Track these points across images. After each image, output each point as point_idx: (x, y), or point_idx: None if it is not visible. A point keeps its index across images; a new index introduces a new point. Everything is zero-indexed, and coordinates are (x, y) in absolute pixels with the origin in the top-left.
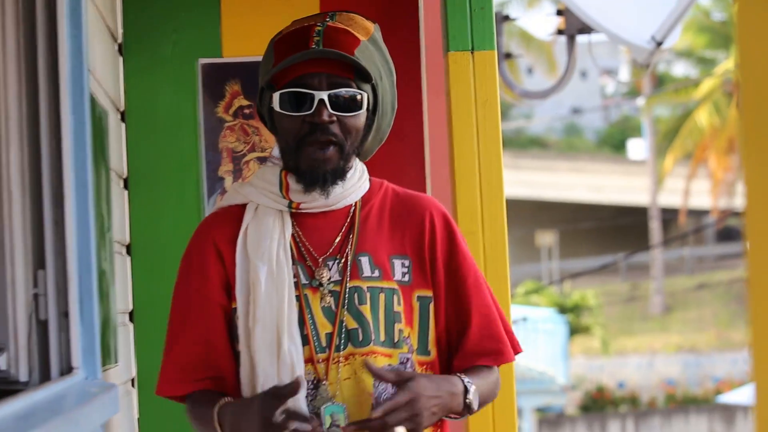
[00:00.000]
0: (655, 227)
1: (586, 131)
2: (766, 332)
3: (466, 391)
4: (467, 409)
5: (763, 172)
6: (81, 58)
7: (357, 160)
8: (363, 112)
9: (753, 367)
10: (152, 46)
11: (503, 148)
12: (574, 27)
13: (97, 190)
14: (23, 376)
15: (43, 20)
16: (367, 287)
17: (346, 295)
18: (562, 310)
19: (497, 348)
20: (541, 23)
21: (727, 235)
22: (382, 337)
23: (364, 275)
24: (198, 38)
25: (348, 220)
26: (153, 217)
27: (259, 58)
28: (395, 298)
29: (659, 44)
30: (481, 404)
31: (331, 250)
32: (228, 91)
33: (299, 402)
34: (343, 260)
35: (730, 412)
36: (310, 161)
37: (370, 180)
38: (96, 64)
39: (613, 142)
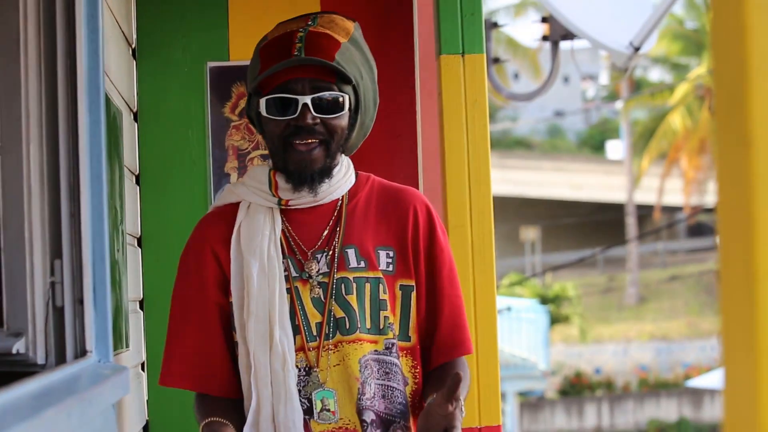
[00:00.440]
0: (631, 223)
1: (567, 133)
2: (735, 320)
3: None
4: None
5: (734, 170)
6: (97, 61)
7: (343, 155)
8: (345, 113)
9: (723, 353)
10: (164, 51)
11: (491, 148)
12: (557, 33)
13: (111, 185)
14: (40, 359)
15: (62, 25)
16: (354, 278)
17: (334, 286)
18: (544, 300)
19: (464, 338)
20: (527, 31)
21: (698, 230)
22: (368, 325)
23: (350, 266)
24: (206, 43)
25: (335, 213)
26: (163, 211)
27: None
28: (381, 286)
29: (637, 49)
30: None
31: (319, 244)
32: (234, 92)
33: (291, 387)
34: (330, 253)
35: (698, 395)
36: (297, 162)
37: (356, 174)
38: (111, 67)
39: (593, 143)
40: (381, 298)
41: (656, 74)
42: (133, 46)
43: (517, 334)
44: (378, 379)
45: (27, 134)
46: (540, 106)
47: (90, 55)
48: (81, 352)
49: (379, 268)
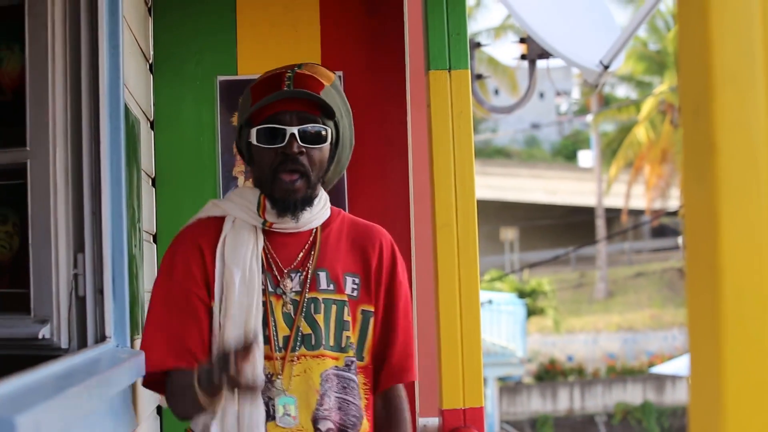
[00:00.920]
0: (600, 225)
1: (543, 143)
2: (700, 311)
3: None
4: None
5: (700, 171)
6: (117, 73)
7: (322, 190)
8: (327, 146)
9: (689, 341)
10: (178, 65)
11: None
12: (534, 52)
13: (130, 186)
14: (64, 344)
15: (86, 42)
16: (323, 299)
17: (305, 305)
18: (521, 294)
19: (411, 365)
20: (506, 51)
21: (661, 231)
22: (332, 342)
23: (321, 288)
24: (217, 59)
25: (311, 239)
26: (176, 211)
27: None
28: (345, 309)
29: (606, 67)
30: None
31: (294, 264)
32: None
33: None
34: (304, 273)
35: (660, 381)
36: (282, 191)
37: (330, 209)
38: (130, 80)
39: (566, 153)
40: (345, 319)
41: (623, 91)
42: (150, 61)
43: (497, 324)
44: (337, 392)
45: (53, 140)
46: (518, 118)
47: (111, 68)
48: (101, 338)
49: (345, 292)
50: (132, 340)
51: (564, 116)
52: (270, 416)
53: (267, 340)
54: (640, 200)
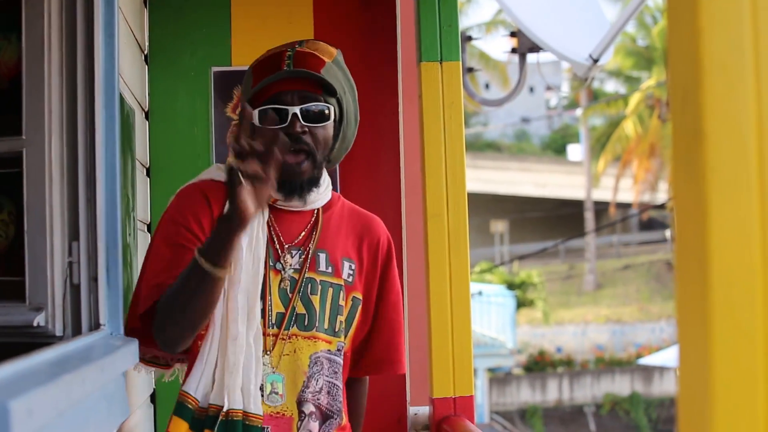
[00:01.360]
0: (589, 217)
1: (533, 137)
2: (689, 299)
3: None
4: None
5: (688, 164)
6: (113, 63)
7: (325, 172)
8: (330, 123)
9: (678, 333)
10: (172, 56)
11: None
12: (525, 46)
13: (124, 175)
14: (59, 332)
15: (82, 31)
16: (320, 280)
17: (302, 284)
18: (511, 286)
19: (397, 358)
20: (497, 46)
21: (649, 224)
22: (326, 326)
23: (319, 269)
24: (211, 50)
25: (313, 219)
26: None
27: None
28: (341, 293)
29: (596, 61)
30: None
31: (296, 241)
32: (235, 94)
33: (260, 361)
34: (305, 252)
35: (648, 372)
36: (288, 173)
37: (331, 192)
38: (125, 70)
39: (556, 147)
40: (339, 303)
41: (611, 86)
42: (146, 52)
43: (487, 316)
44: (327, 376)
45: (49, 128)
46: (508, 113)
47: (106, 58)
48: (95, 325)
49: (342, 277)
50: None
51: (553, 110)
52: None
53: (261, 315)
54: (628, 193)
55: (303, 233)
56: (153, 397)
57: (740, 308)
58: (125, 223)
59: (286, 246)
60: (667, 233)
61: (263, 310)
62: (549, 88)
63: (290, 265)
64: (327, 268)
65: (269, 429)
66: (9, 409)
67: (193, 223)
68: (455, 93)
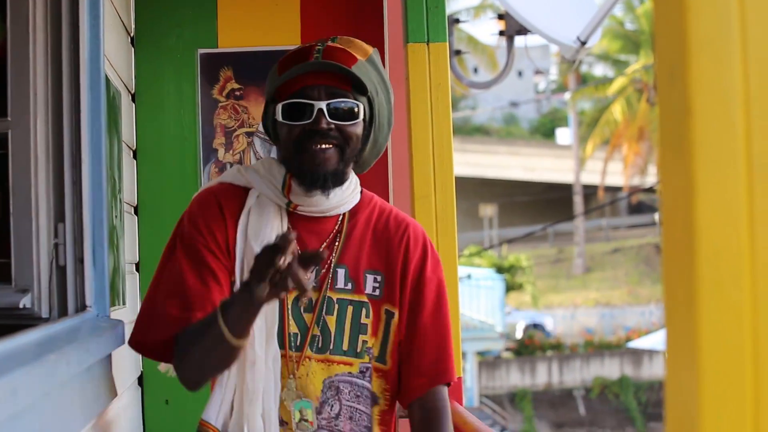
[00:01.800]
0: (578, 201)
1: (521, 121)
2: (675, 277)
3: None
4: None
5: (675, 141)
6: (98, 44)
7: (353, 172)
8: (359, 122)
9: (665, 316)
10: (159, 38)
11: (452, 134)
12: (512, 28)
13: (110, 157)
14: (45, 313)
15: (67, 12)
16: (337, 299)
17: (320, 304)
18: (500, 270)
19: (446, 367)
20: (486, 30)
21: (638, 208)
22: (345, 347)
23: (337, 287)
24: (197, 32)
25: (336, 228)
26: (157, 182)
27: (249, 49)
28: (363, 311)
29: (583, 43)
30: None
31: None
32: (222, 76)
33: (279, 386)
34: (323, 270)
35: (637, 355)
36: (310, 161)
37: (361, 192)
38: (111, 52)
39: (544, 130)
40: (362, 322)
41: (599, 70)
42: (132, 34)
43: (476, 299)
44: (348, 400)
45: (34, 110)
46: (497, 96)
47: (92, 39)
48: (81, 307)
49: (365, 292)
50: (113, 311)
51: (542, 94)
52: (282, 421)
53: (281, 336)
54: (616, 177)
55: (323, 246)
56: (141, 380)
57: (727, 285)
58: (111, 204)
59: None
60: (656, 217)
61: (281, 332)
62: (537, 71)
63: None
64: (346, 285)
65: None
66: None
67: (208, 237)
68: (442, 74)
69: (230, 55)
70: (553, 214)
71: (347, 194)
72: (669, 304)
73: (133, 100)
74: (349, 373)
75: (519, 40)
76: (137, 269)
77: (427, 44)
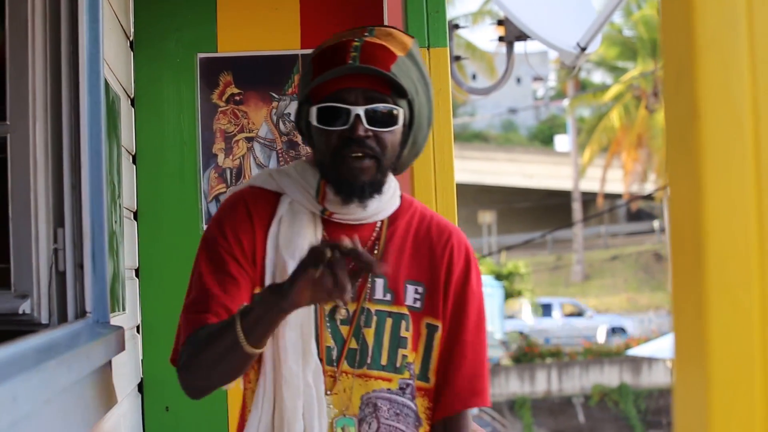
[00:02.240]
0: (576, 208)
1: (520, 128)
2: (683, 286)
3: None
4: None
5: (682, 143)
6: (97, 48)
7: (391, 176)
8: (399, 128)
9: (673, 320)
10: (158, 43)
11: None
12: (512, 34)
13: (110, 162)
14: (44, 319)
15: (66, 16)
16: (375, 310)
17: (358, 316)
18: (499, 277)
19: (482, 388)
20: (485, 36)
21: (637, 215)
22: (384, 361)
23: (375, 298)
24: (197, 36)
25: (374, 236)
26: (157, 187)
27: (249, 53)
28: (403, 323)
29: (583, 49)
30: None
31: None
32: (222, 80)
33: (323, 404)
34: (360, 280)
35: (636, 363)
36: (348, 172)
37: (400, 197)
38: (110, 56)
39: (543, 137)
40: (402, 335)
41: (598, 76)
42: (131, 38)
43: None
44: (387, 419)
45: (33, 114)
46: (495, 103)
47: (91, 43)
48: (81, 313)
49: (406, 304)
50: (113, 317)
51: (540, 101)
52: None
53: (318, 350)
54: (615, 184)
55: None
56: (141, 387)
57: (736, 289)
58: (111, 210)
59: None
60: (655, 224)
61: (318, 346)
62: (536, 78)
63: None
64: (385, 296)
65: None
66: None
67: (233, 243)
68: (443, 80)
69: (230, 60)
70: (551, 221)
71: (385, 200)
72: (677, 309)
73: (133, 104)
74: (389, 389)
75: (518, 47)
76: (137, 275)
77: (428, 49)
